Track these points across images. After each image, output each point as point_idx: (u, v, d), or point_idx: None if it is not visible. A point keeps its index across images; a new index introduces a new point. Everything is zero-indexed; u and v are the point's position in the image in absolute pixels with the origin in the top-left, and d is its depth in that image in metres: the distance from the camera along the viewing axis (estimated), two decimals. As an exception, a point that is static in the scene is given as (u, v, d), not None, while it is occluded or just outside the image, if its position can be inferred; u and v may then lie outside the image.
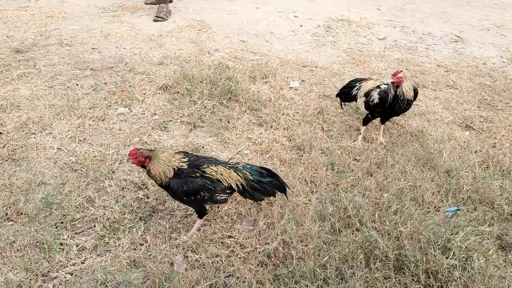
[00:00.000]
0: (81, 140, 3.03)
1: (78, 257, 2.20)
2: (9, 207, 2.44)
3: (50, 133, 3.08)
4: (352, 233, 2.31)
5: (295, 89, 3.96)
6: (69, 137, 3.06)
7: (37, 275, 2.07)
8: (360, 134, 3.25)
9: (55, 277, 2.09)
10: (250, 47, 4.83)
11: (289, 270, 2.11)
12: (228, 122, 3.35)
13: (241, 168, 2.29)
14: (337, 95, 3.45)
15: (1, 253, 2.16)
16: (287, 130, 3.31)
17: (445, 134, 3.32)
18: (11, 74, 3.86)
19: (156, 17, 5.45)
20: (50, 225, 2.34)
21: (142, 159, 2.15)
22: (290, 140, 3.19)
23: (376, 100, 3.07)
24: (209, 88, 3.66)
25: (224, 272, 2.12)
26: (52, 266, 2.13)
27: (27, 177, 2.64)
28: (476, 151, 3.15)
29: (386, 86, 3.08)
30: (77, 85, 3.77)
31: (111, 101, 3.53)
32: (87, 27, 5.10)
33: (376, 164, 2.93)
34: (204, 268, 2.15)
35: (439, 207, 2.60)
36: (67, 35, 4.82)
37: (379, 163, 2.94)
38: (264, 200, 2.41)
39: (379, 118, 3.21)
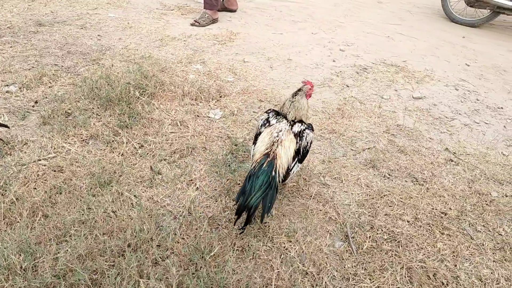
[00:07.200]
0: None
1: None
2: None
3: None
4: None
5: (208, 118, 3.29)
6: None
7: None
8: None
9: None
10: (239, 68, 4.23)
11: None
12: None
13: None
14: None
15: None
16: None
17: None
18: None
19: (194, 21, 5.30)
20: None
21: None
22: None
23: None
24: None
25: None
26: None
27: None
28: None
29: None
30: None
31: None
32: (125, 17, 5.30)
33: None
34: None
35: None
36: (102, 20, 5.09)
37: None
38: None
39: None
